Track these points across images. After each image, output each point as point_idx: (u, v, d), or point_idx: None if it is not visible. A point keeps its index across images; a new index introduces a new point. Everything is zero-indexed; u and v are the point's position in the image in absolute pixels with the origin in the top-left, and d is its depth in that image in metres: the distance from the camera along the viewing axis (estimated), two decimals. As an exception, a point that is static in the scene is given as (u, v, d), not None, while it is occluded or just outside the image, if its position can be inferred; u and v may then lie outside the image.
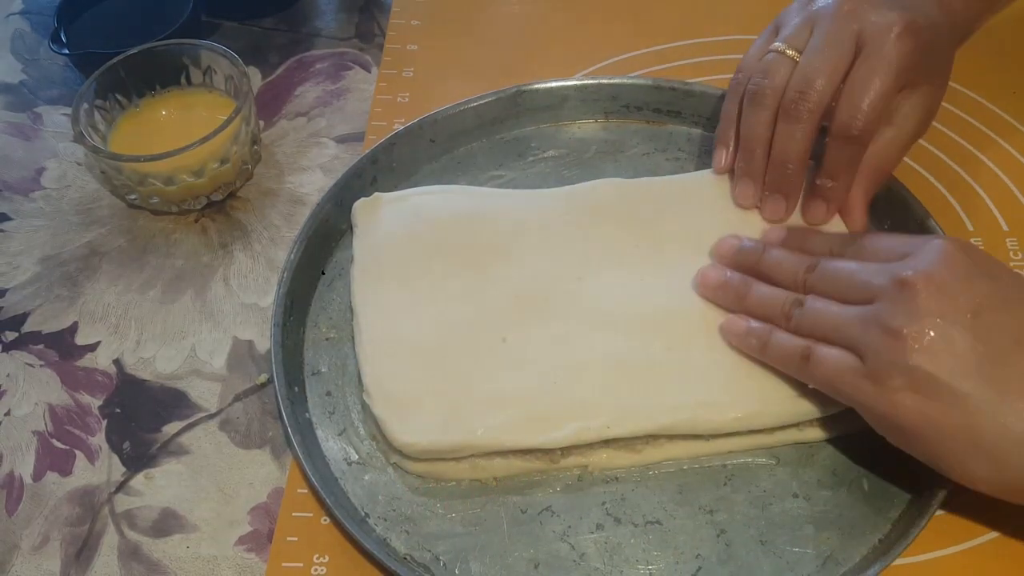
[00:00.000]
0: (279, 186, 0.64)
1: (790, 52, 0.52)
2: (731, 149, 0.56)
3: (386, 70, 0.70)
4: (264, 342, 0.56)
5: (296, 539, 0.48)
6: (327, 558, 0.47)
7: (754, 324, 0.49)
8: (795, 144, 0.52)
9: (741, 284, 0.51)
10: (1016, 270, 0.49)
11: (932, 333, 0.42)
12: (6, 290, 0.59)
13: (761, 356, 0.49)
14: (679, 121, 0.64)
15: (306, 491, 0.49)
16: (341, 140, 0.66)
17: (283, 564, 0.47)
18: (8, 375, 0.56)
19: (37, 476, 0.52)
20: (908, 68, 0.50)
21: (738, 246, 0.52)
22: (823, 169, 0.52)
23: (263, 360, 0.55)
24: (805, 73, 0.51)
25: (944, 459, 0.43)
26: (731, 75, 0.56)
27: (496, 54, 0.70)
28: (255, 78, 0.70)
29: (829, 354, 0.45)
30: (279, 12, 0.75)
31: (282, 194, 0.63)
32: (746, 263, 0.52)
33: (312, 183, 0.63)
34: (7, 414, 0.54)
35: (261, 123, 0.67)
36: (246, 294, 0.58)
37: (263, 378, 0.54)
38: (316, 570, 0.47)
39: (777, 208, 0.54)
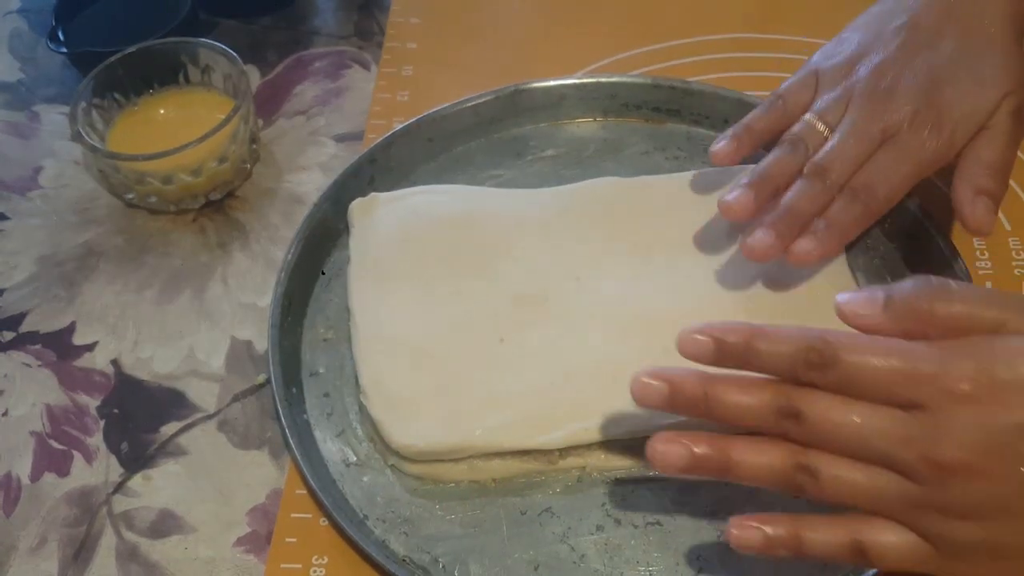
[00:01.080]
0: (278, 185, 0.63)
1: (820, 127, 0.51)
2: (741, 147, 0.53)
3: (385, 68, 0.70)
4: (263, 342, 0.56)
5: (295, 540, 0.48)
6: (326, 559, 0.47)
7: (771, 531, 0.39)
8: (803, 202, 0.50)
9: (715, 452, 0.39)
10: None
11: (994, 508, 0.36)
12: (3, 290, 0.59)
13: (797, 557, 0.40)
14: (678, 120, 0.64)
15: (304, 492, 0.49)
16: (340, 139, 0.66)
17: (282, 565, 0.47)
18: (5, 375, 0.55)
19: (34, 477, 0.51)
20: (933, 162, 0.50)
21: (667, 392, 0.39)
22: (828, 211, 0.50)
23: (262, 360, 0.55)
24: (830, 155, 0.50)
25: None
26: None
27: (496, 53, 0.70)
28: (253, 76, 0.70)
29: (889, 550, 0.38)
30: (278, 10, 0.74)
31: (280, 193, 0.63)
32: (687, 412, 0.40)
33: (311, 182, 0.63)
34: (4, 414, 0.54)
35: (260, 122, 0.67)
36: (244, 294, 0.58)
37: (262, 378, 0.54)
38: (315, 571, 0.47)
39: (765, 242, 0.49)
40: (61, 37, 0.67)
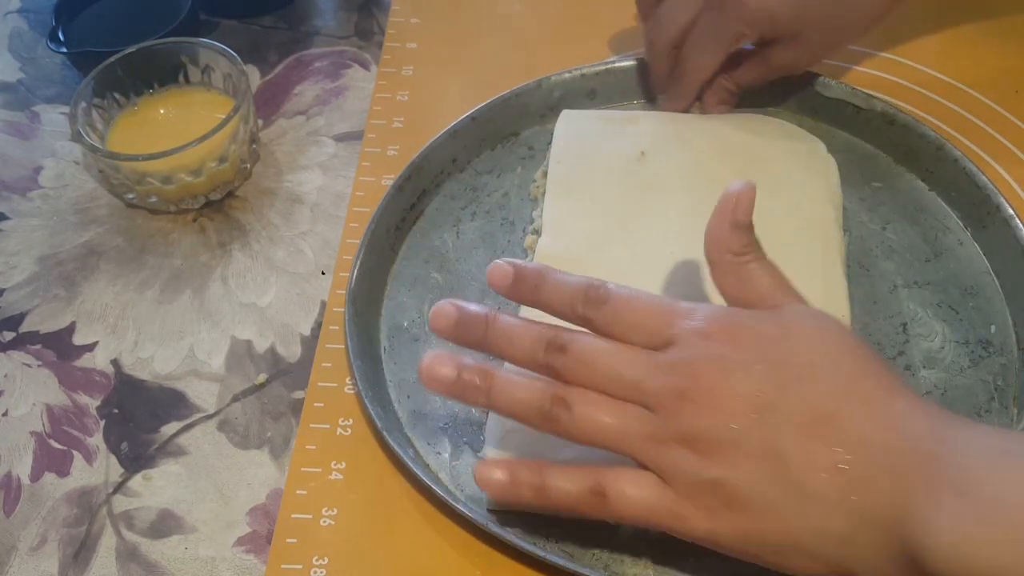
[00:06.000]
0: (278, 185, 0.63)
1: None
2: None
3: (385, 68, 0.70)
4: (263, 342, 0.56)
5: (295, 541, 0.48)
6: (326, 560, 0.47)
7: (518, 473, 0.42)
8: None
9: (480, 379, 0.42)
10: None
11: (726, 441, 0.38)
12: (3, 290, 0.59)
13: (538, 505, 0.42)
14: None
15: (305, 492, 0.49)
16: (340, 139, 0.66)
17: (282, 566, 0.47)
18: (5, 375, 0.55)
19: (35, 477, 0.51)
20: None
21: (456, 317, 0.43)
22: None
23: (261, 360, 0.55)
24: None
25: (776, 564, 0.39)
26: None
27: (496, 52, 0.70)
28: (253, 76, 0.70)
29: (627, 490, 0.40)
30: (278, 10, 0.74)
31: (280, 193, 0.63)
32: (469, 339, 0.43)
33: (311, 182, 0.63)
34: (4, 415, 0.54)
35: (260, 122, 0.67)
36: (244, 294, 0.58)
37: (262, 378, 0.54)
38: (315, 572, 0.47)
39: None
40: (61, 37, 0.67)
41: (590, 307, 0.42)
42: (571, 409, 0.41)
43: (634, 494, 0.40)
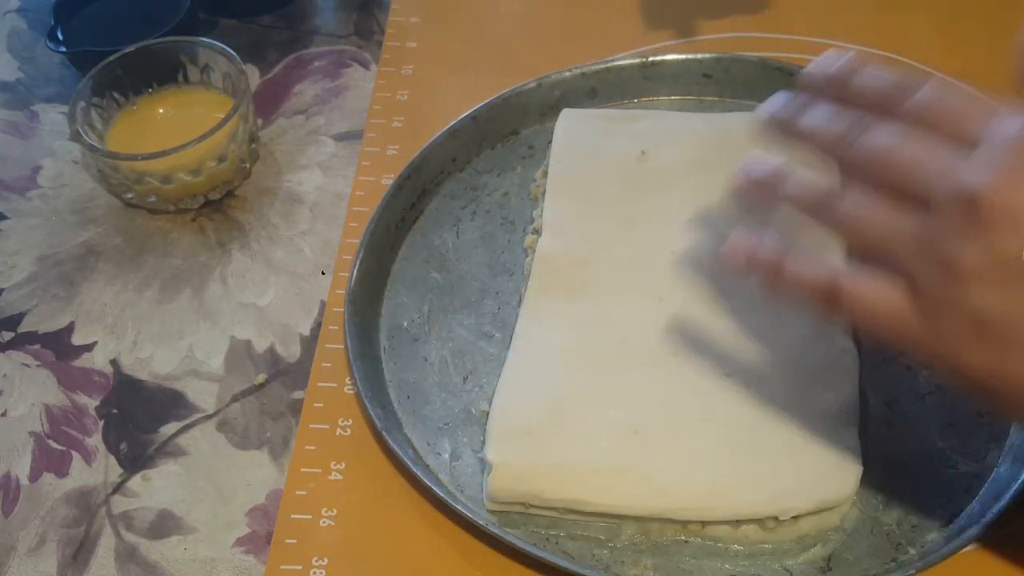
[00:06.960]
0: (277, 185, 0.63)
1: None
2: None
3: (385, 68, 0.69)
4: (262, 342, 0.56)
5: (295, 541, 0.48)
6: (326, 560, 0.47)
7: (757, 251, 0.41)
8: None
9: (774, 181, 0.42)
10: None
11: (1004, 269, 0.33)
12: (2, 290, 0.59)
13: (771, 287, 0.40)
14: None
15: (305, 493, 0.49)
16: (340, 138, 0.66)
17: (282, 567, 0.47)
18: (4, 375, 0.55)
19: (33, 477, 0.51)
20: None
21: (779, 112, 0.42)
22: None
23: (261, 360, 0.55)
24: None
25: (1017, 414, 0.37)
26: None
27: (496, 52, 0.69)
28: (253, 76, 0.70)
29: (867, 290, 0.37)
30: (277, 9, 0.74)
31: (280, 193, 0.63)
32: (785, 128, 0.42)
33: (310, 181, 0.63)
34: (3, 415, 0.54)
35: (259, 121, 0.67)
36: (244, 294, 0.58)
37: (261, 378, 0.54)
38: (315, 572, 0.47)
39: None
40: (60, 36, 0.67)
41: (902, 92, 0.39)
42: (846, 195, 0.38)
43: (868, 297, 0.37)
